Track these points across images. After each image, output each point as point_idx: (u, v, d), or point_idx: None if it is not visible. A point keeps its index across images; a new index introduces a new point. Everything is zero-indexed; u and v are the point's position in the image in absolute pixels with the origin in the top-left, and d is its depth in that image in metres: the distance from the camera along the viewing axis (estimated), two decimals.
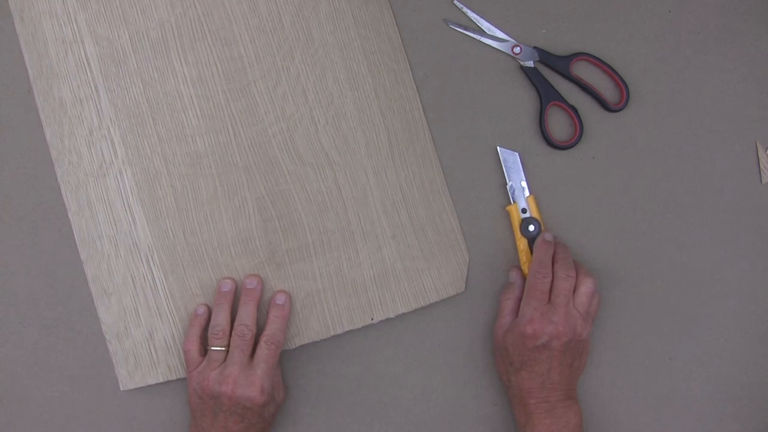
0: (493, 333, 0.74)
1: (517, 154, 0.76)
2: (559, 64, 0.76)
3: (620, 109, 0.76)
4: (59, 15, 0.74)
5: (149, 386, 0.74)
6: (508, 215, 0.76)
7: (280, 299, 0.73)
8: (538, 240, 0.74)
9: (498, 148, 0.76)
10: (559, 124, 0.77)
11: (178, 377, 0.74)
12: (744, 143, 0.77)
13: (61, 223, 0.75)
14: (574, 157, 0.76)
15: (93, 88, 0.74)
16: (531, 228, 0.75)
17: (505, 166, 0.76)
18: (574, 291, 0.71)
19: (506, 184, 0.76)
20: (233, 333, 0.71)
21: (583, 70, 0.77)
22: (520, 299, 0.73)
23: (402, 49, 0.76)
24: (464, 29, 0.77)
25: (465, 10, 0.77)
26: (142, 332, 0.74)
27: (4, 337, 0.75)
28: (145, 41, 0.74)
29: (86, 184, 0.74)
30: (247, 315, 0.71)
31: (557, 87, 0.76)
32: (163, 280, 0.74)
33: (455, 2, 0.77)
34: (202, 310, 0.73)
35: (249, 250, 0.74)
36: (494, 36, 0.76)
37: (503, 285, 0.76)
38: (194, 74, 0.74)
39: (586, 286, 0.71)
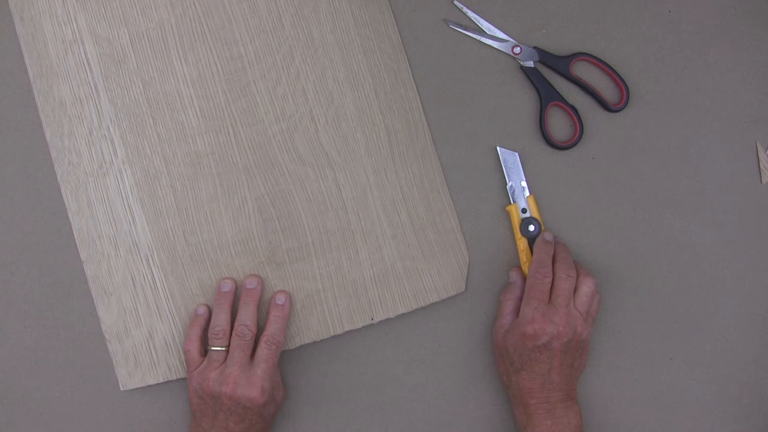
0: (493, 333, 0.74)
1: (517, 154, 0.76)
2: (559, 64, 0.76)
3: (620, 109, 0.76)
4: (59, 15, 0.74)
5: (149, 386, 0.74)
6: (508, 215, 0.76)
7: (280, 299, 0.73)
8: (538, 240, 0.74)
9: (498, 148, 0.76)
10: (559, 124, 0.77)
11: (178, 377, 0.74)
12: (744, 143, 0.77)
13: (61, 223, 0.75)
14: (574, 157, 0.76)
15: (93, 88, 0.74)
16: (531, 228, 0.75)
17: (505, 166, 0.76)
18: (575, 291, 0.71)
19: (506, 184, 0.76)
20: (233, 333, 0.71)
21: (583, 70, 0.77)
22: (520, 299, 0.73)
23: (402, 49, 0.76)
24: (464, 29, 0.77)
25: (465, 10, 0.77)
26: (142, 332, 0.74)
27: (4, 337, 0.75)
28: (145, 41, 0.74)
29: (86, 184, 0.74)
30: (247, 315, 0.71)
31: (557, 87, 0.76)
32: (163, 280, 0.74)
33: (455, 2, 0.77)
34: (202, 310, 0.73)
35: (249, 250, 0.74)
36: (494, 36, 0.76)
37: (503, 285, 0.76)
38: (194, 74, 0.74)
39: (586, 286, 0.71)
